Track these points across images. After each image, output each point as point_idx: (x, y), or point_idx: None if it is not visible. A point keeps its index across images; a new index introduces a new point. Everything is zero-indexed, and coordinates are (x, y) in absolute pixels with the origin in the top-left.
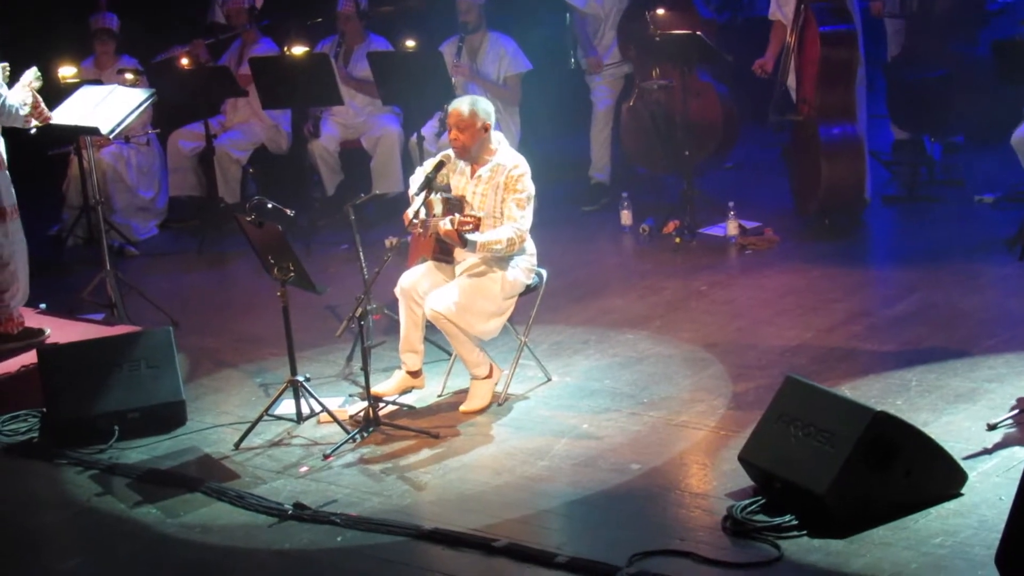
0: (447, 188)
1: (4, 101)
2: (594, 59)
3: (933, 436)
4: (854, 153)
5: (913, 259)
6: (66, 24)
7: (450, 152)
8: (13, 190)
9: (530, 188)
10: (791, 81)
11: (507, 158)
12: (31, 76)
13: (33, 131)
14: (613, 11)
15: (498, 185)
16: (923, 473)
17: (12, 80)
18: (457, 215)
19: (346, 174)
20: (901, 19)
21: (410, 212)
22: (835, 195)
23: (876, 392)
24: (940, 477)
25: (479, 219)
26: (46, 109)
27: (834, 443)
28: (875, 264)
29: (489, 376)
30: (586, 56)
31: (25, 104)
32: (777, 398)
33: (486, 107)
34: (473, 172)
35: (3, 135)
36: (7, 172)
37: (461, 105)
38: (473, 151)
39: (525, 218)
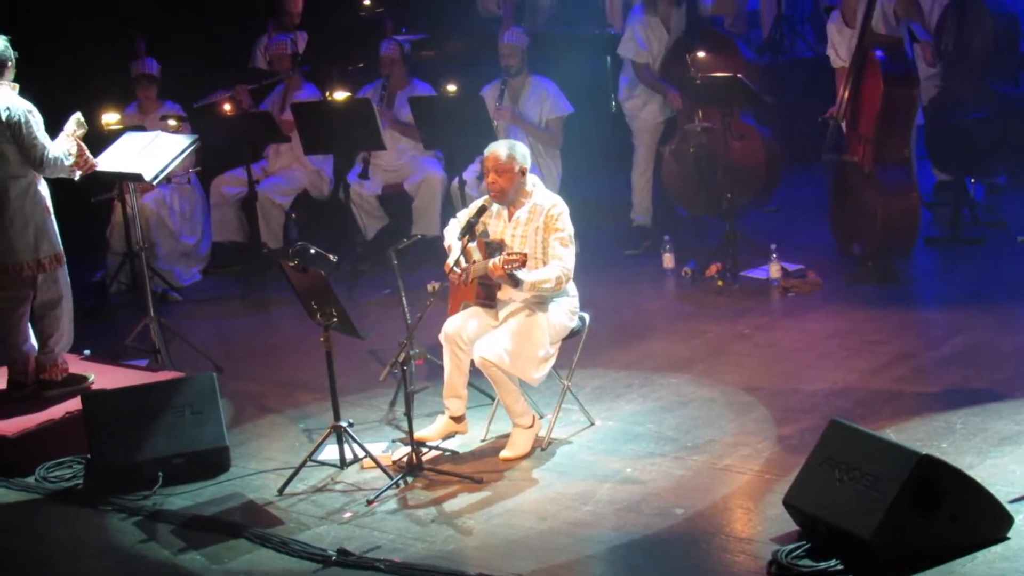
0: (485, 233)
1: (47, 153)
2: (674, 95)
3: (979, 479)
4: (911, 195)
5: (956, 301)
6: (109, 71)
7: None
8: (59, 237)
9: (570, 227)
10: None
11: (544, 199)
12: (73, 124)
13: (77, 178)
14: (659, 57)
15: (538, 227)
16: (969, 517)
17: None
18: (503, 254)
19: (389, 218)
20: (933, 67)
21: (450, 261)
22: (891, 236)
23: (921, 435)
24: (986, 521)
25: (525, 256)
26: (91, 157)
27: (879, 487)
28: (918, 306)
29: (532, 426)
30: (666, 95)
31: (70, 154)
32: (822, 441)
33: (523, 151)
34: (510, 215)
35: (48, 182)
36: (54, 218)
37: (499, 149)
38: (511, 195)
39: (569, 256)
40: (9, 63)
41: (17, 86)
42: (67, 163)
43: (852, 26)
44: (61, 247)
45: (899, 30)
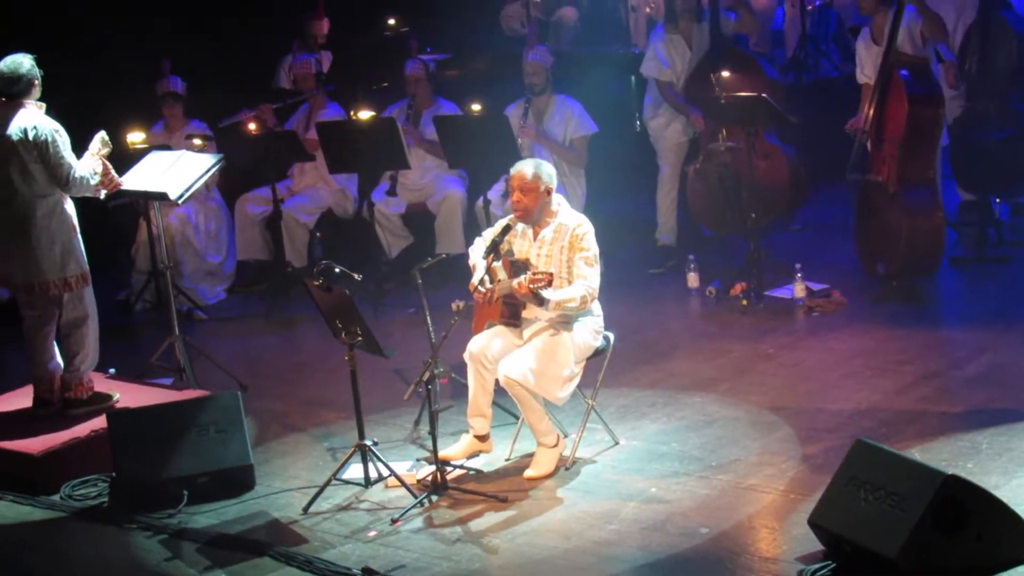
0: (510, 252)
1: (73, 172)
2: (697, 116)
3: (1004, 499)
4: (935, 215)
5: (982, 320)
6: (136, 90)
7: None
8: (85, 255)
9: (595, 246)
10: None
11: (569, 218)
12: (98, 144)
13: (103, 197)
14: (683, 75)
15: (563, 246)
16: (995, 537)
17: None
18: (529, 273)
19: (414, 237)
20: (956, 88)
21: (475, 280)
22: (916, 257)
23: (946, 455)
24: (1012, 541)
25: (551, 275)
26: (116, 176)
27: (904, 507)
28: (944, 325)
29: (556, 445)
30: (688, 116)
31: (95, 173)
32: (847, 461)
33: (549, 171)
34: (536, 235)
35: (74, 201)
36: (80, 237)
37: (525, 168)
38: (535, 214)
39: (594, 275)
40: (36, 82)
41: (44, 105)
42: (93, 182)
43: (880, 44)
44: (87, 266)
45: (925, 50)
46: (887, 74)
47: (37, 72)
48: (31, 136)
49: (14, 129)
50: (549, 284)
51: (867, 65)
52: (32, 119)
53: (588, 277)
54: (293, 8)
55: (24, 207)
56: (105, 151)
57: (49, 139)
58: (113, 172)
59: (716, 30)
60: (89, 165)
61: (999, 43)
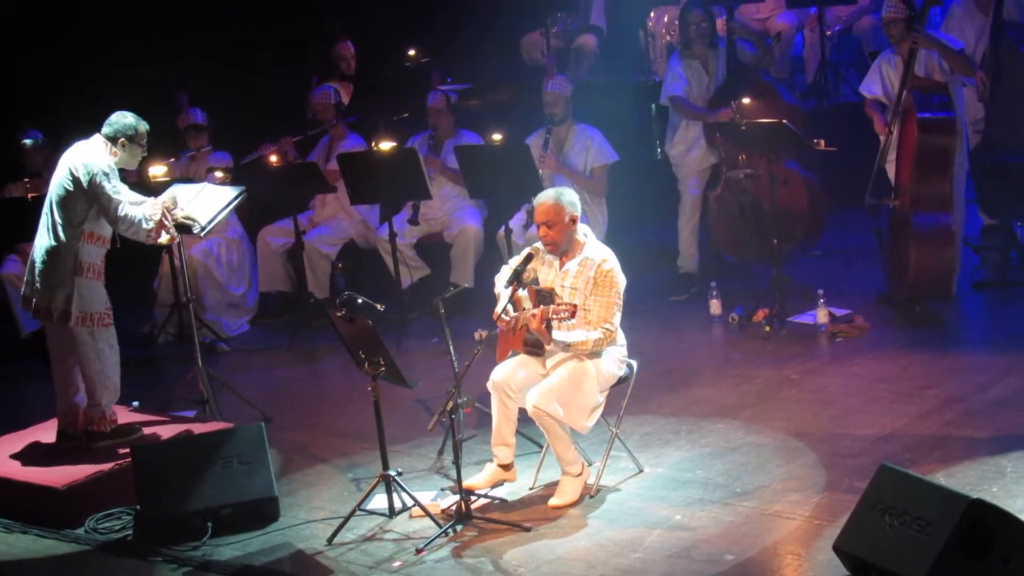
0: (535, 281)
1: (120, 209)
2: (728, 110)
3: None
4: (945, 243)
5: (1005, 344)
6: (158, 124)
7: (538, 245)
8: (105, 293)
9: (619, 283)
10: (891, 165)
11: (595, 252)
12: (169, 199)
13: (161, 242)
14: (700, 100)
15: (588, 279)
16: (1021, 561)
17: None
18: (550, 305)
19: (431, 267)
20: (981, 110)
21: (499, 309)
22: (923, 284)
23: (971, 479)
24: None
25: (574, 306)
26: (174, 232)
27: (930, 531)
28: (967, 350)
29: (581, 474)
30: (712, 116)
31: (149, 219)
32: (871, 486)
33: (570, 198)
34: (562, 264)
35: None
36: (88, 282)
37: (546, 201)
38: (564, 245)
39: (613, 319)
40: (121, 135)
41: (110, 146)
42: (145, 226)
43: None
44: (92, 309)
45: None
46: (905, 97)
47: (132, 131)
48: (81, 171)
49: (71, 159)
50: (572, 315)
51: (891, 83)
52: (86, 155)
53: (607, 320)
54: (320, 42)
55: (49, 229)
56: (169, 207)
57: (98, 175)
58: (171, 227)
59: (733, 60)
60: (146, 209)
61: (1011, 67)
